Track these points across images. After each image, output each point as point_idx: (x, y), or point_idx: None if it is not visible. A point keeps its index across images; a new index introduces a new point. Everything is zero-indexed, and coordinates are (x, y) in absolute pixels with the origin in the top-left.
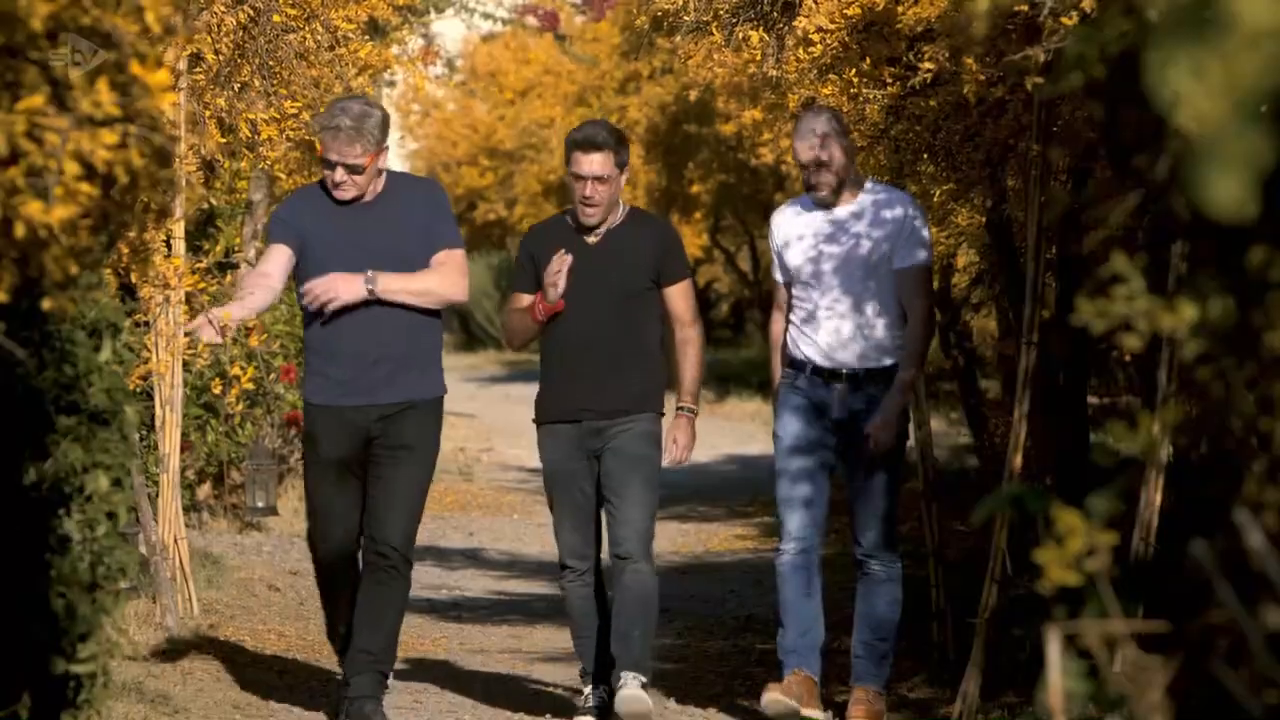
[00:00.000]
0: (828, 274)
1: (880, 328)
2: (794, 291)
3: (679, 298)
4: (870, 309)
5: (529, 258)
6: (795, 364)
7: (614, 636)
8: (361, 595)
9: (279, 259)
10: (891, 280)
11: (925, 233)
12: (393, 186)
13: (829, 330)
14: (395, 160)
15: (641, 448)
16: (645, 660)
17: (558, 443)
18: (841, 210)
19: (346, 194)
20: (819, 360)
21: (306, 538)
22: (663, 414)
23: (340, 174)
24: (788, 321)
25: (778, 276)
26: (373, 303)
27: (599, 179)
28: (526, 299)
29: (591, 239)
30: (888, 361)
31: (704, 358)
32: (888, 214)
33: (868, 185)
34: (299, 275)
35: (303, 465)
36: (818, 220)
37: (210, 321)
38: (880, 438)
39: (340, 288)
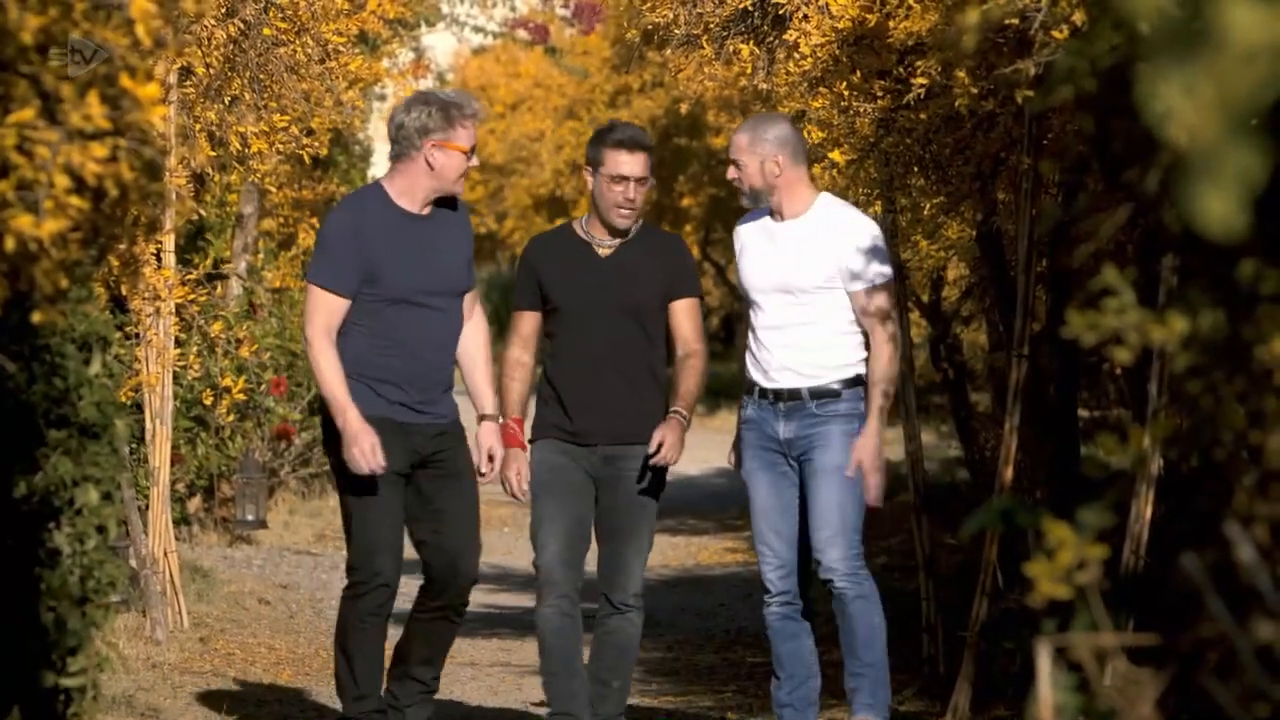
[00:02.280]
0: (767, 289)
1: (823, 347)
2: (750, 307)
3: (686, 317)
4: (812, 327)
5: (531, 272)
6: (747, 386)
7: (591, 680)
8: (427, 631)
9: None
10: (834, 298)
11: (876, 253)
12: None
13: (768, 349)
14: None
15: (648, 488)
16: (620, 714)
17: (555, 451)
18: (786, 223)
19: (463, 185)
20: (762, 381)
21: (350, 586)
22: None
23: (475, 160)
24: (747, 338)
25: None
26: (435, 321)
27: (640, 180)
28: (529, 320)
29: (602, 251)
30: (832, 381)
31: (705, 378)
32: (829, 231)
33: (821, 199)
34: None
35: (345, 487)
36: (764, 231)
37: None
38: (877, 492)
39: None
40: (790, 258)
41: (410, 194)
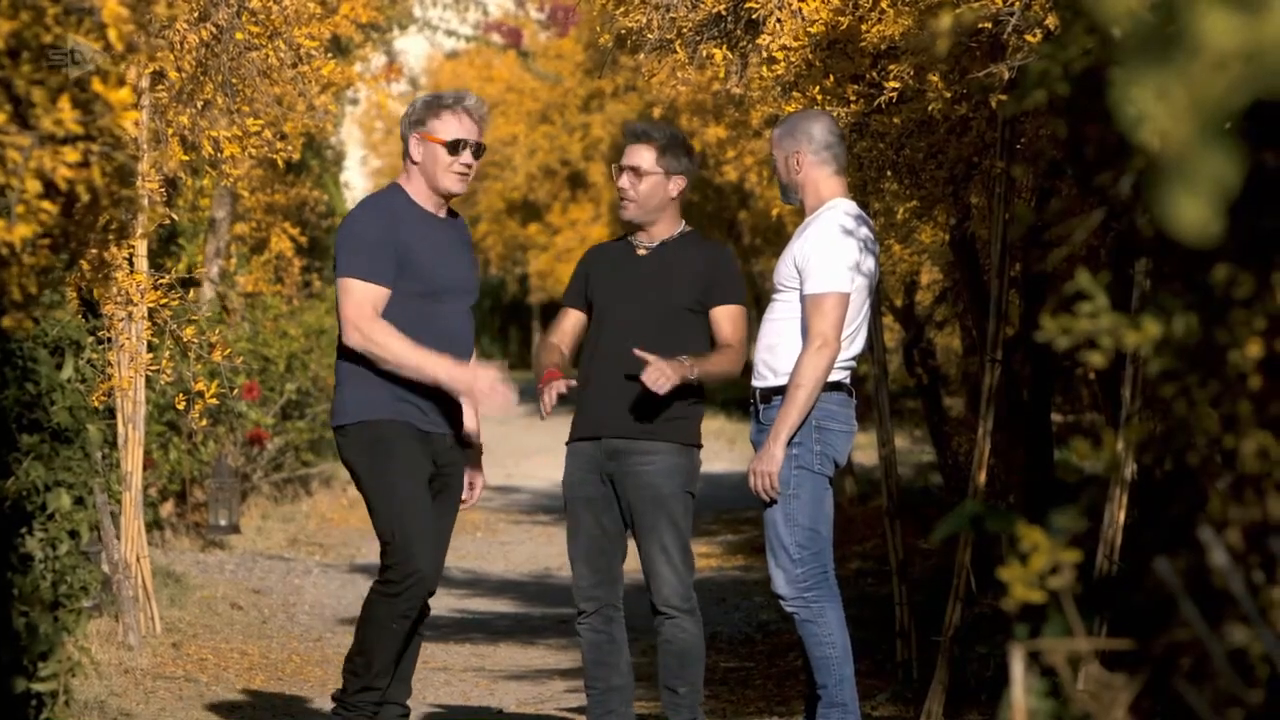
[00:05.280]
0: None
1: (771, 348)
2: None
3: (726, 321)
4: (770, 324)
5: (583, 274)
6: None
7: (661, 689)
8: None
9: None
10: (794, 299)
11: (829, 261)
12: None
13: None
14: (359, 178)
15: (668, 485)
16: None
17: (575, 464)
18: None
19: (465, 184)
20: None
21: (384, 583)
22: (698, 446)
23: (469, 155)
24: None
25: None
26: (456, 319)
27: (634, 170)
28: (570, 316)
29: (641, 252)
30: (774, 384)
31: (729, 368)
32: (806, 234)
33: (830, 203)
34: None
35: (375, 482)
36: None
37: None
38: (754, 483)
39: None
40: (788, 253)
41: (423, 194)
